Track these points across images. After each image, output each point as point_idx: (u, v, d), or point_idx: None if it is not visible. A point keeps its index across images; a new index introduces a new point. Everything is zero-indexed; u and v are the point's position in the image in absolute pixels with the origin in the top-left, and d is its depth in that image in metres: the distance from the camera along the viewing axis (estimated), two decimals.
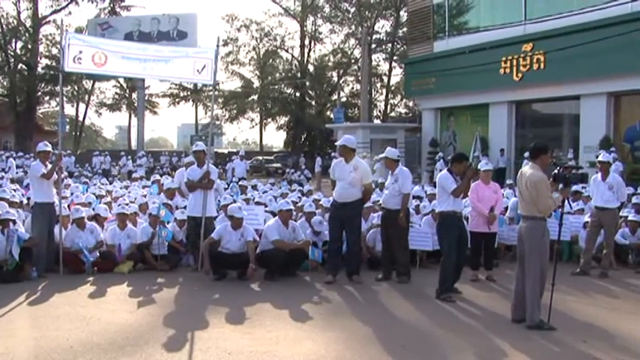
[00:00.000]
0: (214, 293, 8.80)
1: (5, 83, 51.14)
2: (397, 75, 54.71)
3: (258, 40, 56.44)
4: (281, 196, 14.15)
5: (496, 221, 9.95)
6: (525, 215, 7.30)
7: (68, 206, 11.27)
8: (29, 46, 49.67)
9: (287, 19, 56.57)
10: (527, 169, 7.36)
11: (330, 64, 55.72)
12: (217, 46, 10.78)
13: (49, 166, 10.09)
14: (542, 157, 7.28)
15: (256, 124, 60.54)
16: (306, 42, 55.53)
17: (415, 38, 32.79)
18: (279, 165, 42.83)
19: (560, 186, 7.30)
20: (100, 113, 66.10)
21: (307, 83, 53.97)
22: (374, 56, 51.44)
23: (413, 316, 7.77)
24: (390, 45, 52.54)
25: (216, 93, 12.09)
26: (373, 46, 49.84)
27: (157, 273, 10.10)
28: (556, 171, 7.36)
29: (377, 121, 49.43)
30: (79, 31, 46.35)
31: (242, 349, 6.29)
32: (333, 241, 9.77)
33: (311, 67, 56.02)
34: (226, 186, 17.32)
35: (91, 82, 57.72)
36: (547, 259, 7.23)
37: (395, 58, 52.48)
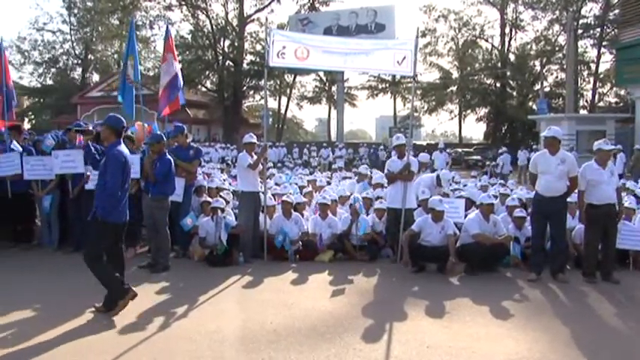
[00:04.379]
0: (413, 285, 8.75)
1: (215, 79, 54.34)
2: (607, 62, 51.55)
3: (457, 30, 55.70)
4: (481, 189, 13.81)
5: None
6: None
7: (274, 196, 11.72)
8: (235, 44, 52.48)
9: (486, 8, 55.23)
10: None
11: (532, 52, 53.53)
12: (417, 37, 10.69)
13: (255, 157, 10.55)
14: None
15: (455, 116, 59.91)
16: (507, 30, 53.92)
17: (629, 20, 30.51)
18: (479, 157, 41.90)
19: None
20: (301, 106, 68.60)
21: (508, 73, 52.36)
22: (580, 42, 48.79)
23: (622, 322, 7.22)
24: (598, 29, 49.48)
25: (415, 85, 12.01)
26: (580, 31, 47.26)
27: (356, 263, 10.24)
28: None
29: (583, 112, 46.93)
30: (280, 27, 48.22)
31: (441, 344, 6.20)
32: (537, 236, 9.34)
33: (512, 57, 54.30)
34: None
35: (292, 76, 59.81)
36: None
37: (604, 43, 49.32)
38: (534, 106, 44.09)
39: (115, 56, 61.97)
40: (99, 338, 6.24)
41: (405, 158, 10.50)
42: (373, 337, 6.39)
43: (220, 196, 11.14)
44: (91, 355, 5.77)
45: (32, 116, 63.33)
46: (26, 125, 53.95)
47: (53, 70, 62.73)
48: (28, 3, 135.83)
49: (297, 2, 53.89)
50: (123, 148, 7.14)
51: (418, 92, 53.20)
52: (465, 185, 14.97)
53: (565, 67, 39.60)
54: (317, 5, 53.99)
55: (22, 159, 10.82)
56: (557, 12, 49.55)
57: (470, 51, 56.36)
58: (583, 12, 49.25)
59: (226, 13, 53.08)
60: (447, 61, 57.54)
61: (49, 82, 62.70)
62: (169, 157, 9.72)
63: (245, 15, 52.51)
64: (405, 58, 10.37)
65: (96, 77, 62.50)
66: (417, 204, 10.76)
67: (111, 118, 7.28)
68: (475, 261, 9.44)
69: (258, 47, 51.83)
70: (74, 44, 61.29)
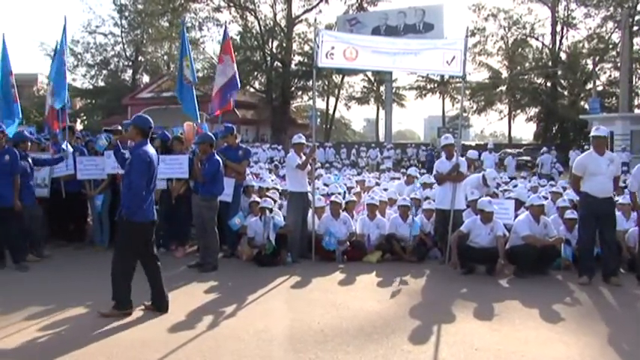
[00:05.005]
0: (462, 287, 8.68)
1: (263, 80, 54.56)
2: None
3: (507, 29, 54.91)
4: (531, 190, 13.62)
5: None
6: None
7: (322, 196, 11.72)
8: (284, 45, 52.54)
9: (537, 6, 54.14)
10: None
11: (584, 50, 52.41)
12: (466, 36, 10.59)
13: (304, 157, 10.58)
14: None
15: (505, 116, 59.06)
16: (558, 28, 52.94)
17: None
18: (528, 158, 41.21)
19: None
20: (349, 106, 68.50)
21: (559, 72, 51.46)
22: (636, 39, 47.50)
23: None
24: None
25: (464, 84, 11.92)
26: (635, 28, 46.10)
27: (404, 264, 10.20)
28: None
29: (638, 111, 45.84)
30: (328, 28, 48.18)
31: (489, 346, 6.14)
32: (587, 239, 9.14)
33: (563, 55, 53.31)
34: None
35: (341, 76, 59.77)
36: None
37: None
38: (586, 106, 43.24)
39: (165, 57, 62.82)
40: (148, 336, 6.34)
41: (454, 159, 10.42)
42: (421, 339, 6.36)
43: (267, 196, 11.21)
44: (140, 352, 5.87)
45: (84, 117, 64.56)
46: (79, 126, 55.01)
47: (105, 71, 63.84)
48: (81, 7, 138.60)
49: (345, 2, 53.74)
50: (149, 148, 7.16)
51: (467, 92, 52.63)
52: (514, 186, 14.79)
53: (619, 65, 38.69)
54: (365, 5, 53.79)
55: (75, 159, 11.04)
56: (612, 9, 48.32)
57: (520, 50, 55.50)
58: (639, 8, 48.03)
59: (274, 14, 53.20)
60: (496, 61, 56.85)
61: (101, 83, 63.82)
62: (217, 157, 9.80)
63: (293, 16, 52.52)
64: (454, 57, 10.30)
65: (146, 79, 63.41)
66: (465, 205, 10.67)
67: (138, 118, 7.35)
68: (525, 263, 9.32)
69: (307, 48, 51.82)
70: (125, 46, 62.29)
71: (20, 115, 12.47)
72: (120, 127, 10.86)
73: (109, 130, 10.61)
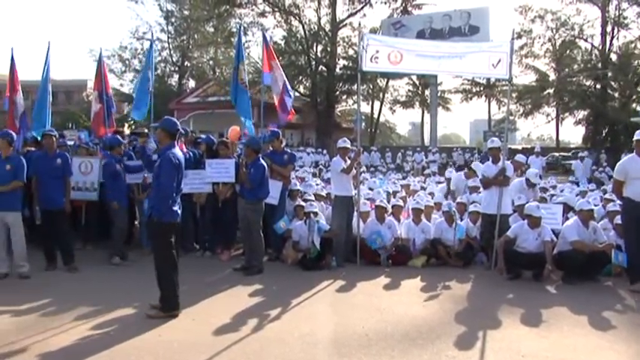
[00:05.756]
0: (508, 293, 8.58)
1: (308, 84, 54.67)
2: None
3: (554, 31, 53.89)
4: (580, 195, 13.40)
5: None
6: None
7: (367, 200, 11.69)
8: (328, 49, 52.53)
9: (586, 6, 52.89)
10: None
11: (636, 51, 51.25)
12: (512, 39, 10.48)
13: (349, 161, 10.57)
14: None
15: (552, 119, 58.21)
16: (608, 29, 51.83)
17: None
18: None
19: None
20: (394, 110, 68.16)
21: (609, 74, 50.40)
22: None
23: None
24: None
25: (511, 87, 11.77)
26: None
27: (450, 269, 10.14)
28: None
29: None
30: (373, 31, 48.06)
31: (537, 353, 6.05)
32: (634, 244, 8.94)
33: (614, 56, 52.16)
34: None
35: (385, 80, 59.61)
36: None
37: None
38: (638, 108, 42.35)
39: (211, 63, 63.44)
40: (194, 338, 6.41)
41: (500, 163, 10.32)
42: (466, 345, 6.31)
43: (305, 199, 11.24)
44: (186, 354, 5.94)
45: (132, 122, 65.61)
46: (126, 131, 55.88)
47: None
48: (129, 14, 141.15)
49: (390, 6, 53.40)
50: (177, 150, 7.26)
51: (513, 95, 51.84)
52: (562, 191, 14.56)
53: None
54: (409, 9, 53.52)
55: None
56: None
57: (568, 52, 54.55)
58: None
59: (319, 19, 53.10)
60: (543, 63, 55.85)
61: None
62: (263, 162, 9.86)
63: (337, 20, 52.41)
64: (500, 60, 10.19)
65: (192, 83, 64.11)
66: (512, 209, 10.55)
67: (166, 122, 7.43)
68: (573, 269, 9.16)
69: (351, 52, 51.59)
70: (171, 52, 63.03)
71: (48, 123, 12.64)
72: (147, 130, 11.00)
73: (136, 133, 10.76)
